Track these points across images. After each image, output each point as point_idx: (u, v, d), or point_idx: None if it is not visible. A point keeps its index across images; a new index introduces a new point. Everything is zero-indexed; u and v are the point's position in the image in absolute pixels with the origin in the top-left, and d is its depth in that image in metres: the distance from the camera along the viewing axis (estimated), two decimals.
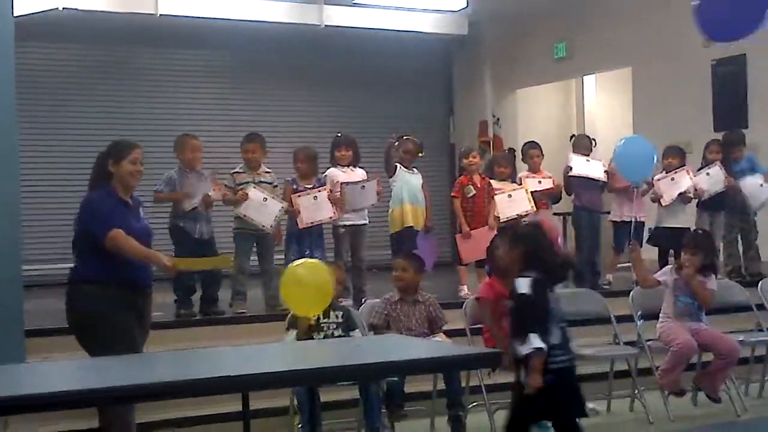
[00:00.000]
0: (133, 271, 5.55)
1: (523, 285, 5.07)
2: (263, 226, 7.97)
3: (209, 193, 7.73)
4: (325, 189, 8.22)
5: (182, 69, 13.03)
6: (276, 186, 8.25)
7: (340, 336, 6.20)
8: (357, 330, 6.36)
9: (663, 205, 9.26)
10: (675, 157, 9.40)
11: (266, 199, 7.98)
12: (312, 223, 8.11)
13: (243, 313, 7.91)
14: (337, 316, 6.33)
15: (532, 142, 9.65)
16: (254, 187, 8.00)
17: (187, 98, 12.84)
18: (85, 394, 3.60)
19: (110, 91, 12.42)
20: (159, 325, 6.95)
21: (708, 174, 9.45)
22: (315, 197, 8.12)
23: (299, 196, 8.11)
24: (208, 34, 12.64)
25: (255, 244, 8.20)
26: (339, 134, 8.83)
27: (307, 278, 6.02)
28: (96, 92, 12.38)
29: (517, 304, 5.14)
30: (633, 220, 8.60)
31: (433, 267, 8.47)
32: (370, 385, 5.93)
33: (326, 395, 6.05)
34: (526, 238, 5.38)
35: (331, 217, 8.21)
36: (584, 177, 9.31)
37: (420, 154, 8.82)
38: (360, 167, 8.61)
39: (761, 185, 9.40)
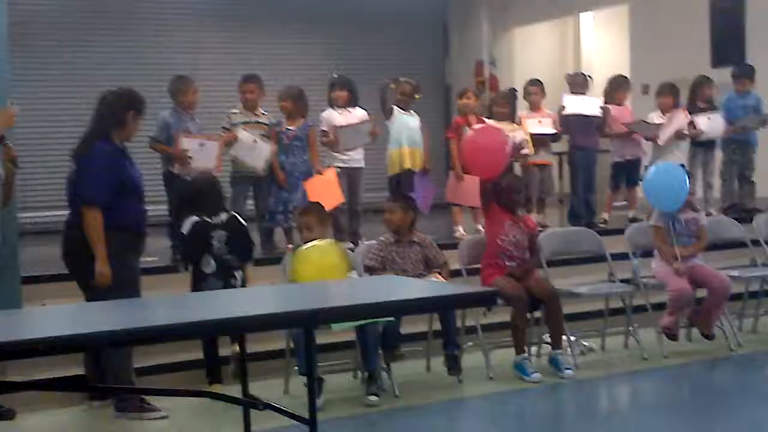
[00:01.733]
0: (133, 217, 5.78)
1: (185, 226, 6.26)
2: (254, 167, 7.95)
3: (210, 168, 7.48)
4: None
5: (173, 12, 12.92)
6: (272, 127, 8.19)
7: None
8: (353, 272, 6.38)
9: (659, 144, 9.25)
10: (669, 96, 9.38)
11: (256, 141, 7.94)
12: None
13: None
14: None
15: (534, 79, 9.58)
16: (243, 128, 7.97)
17: (178, 42, 12.74)
18: (82, 337, 3.61)
19: (104, 36, 12.32)
20: (155, 270, 7.03)
21: (709, 118, 9.43)
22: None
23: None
24: None
25: (251, 188, 8.19)
26: (335, 75, 8.75)
27: (319, 262, 5.98)
28: (89, 38, 12.30)
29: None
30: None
31: (430, 209, 8.49)
32: (366, 327, 5.97)
33: (323, 337, 6.11)
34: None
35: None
36: (579, 115, 9.27)
37: (417, 96, 8.75)
38: (361, 108, 8.50)
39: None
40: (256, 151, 7.95)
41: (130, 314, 4.28)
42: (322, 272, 5.88)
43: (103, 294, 5.43)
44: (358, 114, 8.42)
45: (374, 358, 6.06)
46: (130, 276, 5.77)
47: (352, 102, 8.47)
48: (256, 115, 8.14)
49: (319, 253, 6.10)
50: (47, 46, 12.05)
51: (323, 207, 6.70)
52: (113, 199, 5.66)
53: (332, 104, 8.48)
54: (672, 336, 6.91)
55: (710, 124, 9.42)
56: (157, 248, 7.35)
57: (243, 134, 7.92)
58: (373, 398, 5.95)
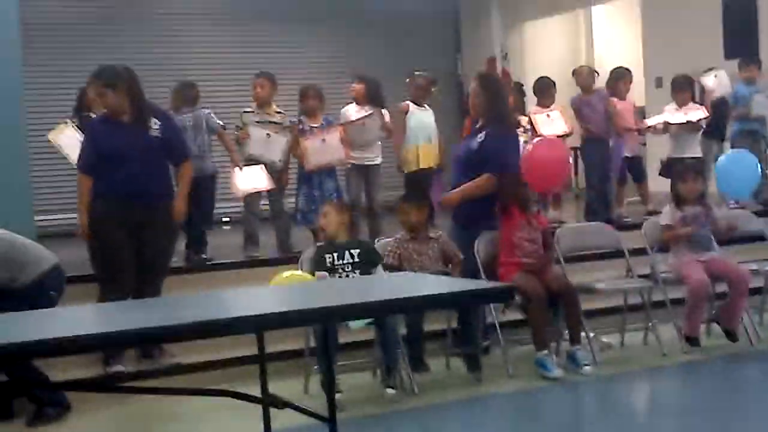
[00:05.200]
0: (112, 183, 6.09)
1: None
2: (273, 161, 7.94)
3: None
4: (334, 129, 8.11)
5: (186, 12, 12.92)
6: (286, 127, 8.17)
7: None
8: (379, 266, 6.35)
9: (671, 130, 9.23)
10: (686, 90, 9.35)
11: (269, 134, 7.94)
12: (319, 166, 8.02)
13: (256, 256, 7.92)
14: (352, 256, 6.29)
15: (548, 78, 9.52)
16: (255, 125, 7.98)
17: (191, 41, 12.76)
18: (100, 337, 3.59)
19: (115, 37, 12.34)
20: (170, 271, 7.02)
21: (715, 76, 9.43)
22: (323, 139, 8.00)
23: (307, 138, 8.01)
24: None
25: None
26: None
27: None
28: (100, 38, 12.29)
29: None
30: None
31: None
32: (385, 324, 5.94)
33: (343, 336, 6.10)
34: None
35: (340, 159, 8.13)
36: (589, 106, 9.25)
37: (433, 90, 8.71)
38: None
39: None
40: (272, 145, 7.93)
41: (153, 313, 4.25)
42: None
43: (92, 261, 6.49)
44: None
45: (393, 351, 6.03)
46: (106, 246, 6.20)
47: (369, 98, 8.38)
48: (268, 114, 8.14)
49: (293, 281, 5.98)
50: (57, 48, 12.03)
51: (342, 202, 6.73)
52: (96, 167, 6.18)
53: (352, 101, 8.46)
54: (694, 341, 6.83)
55: (718, 81, 9.41)
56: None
57: (254, 130, 7.93)
58: (391, 391, 5.95)
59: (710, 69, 9.55)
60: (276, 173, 8.03)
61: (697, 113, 9.22)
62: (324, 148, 7.97)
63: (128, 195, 6.13)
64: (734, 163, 6.71)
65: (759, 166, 6.86)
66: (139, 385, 5.67)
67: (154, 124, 6.26)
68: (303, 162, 8.03)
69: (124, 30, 12.45)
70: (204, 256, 7.93)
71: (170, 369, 6.29)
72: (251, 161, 7.99)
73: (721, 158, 6.69)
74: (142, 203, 6.15)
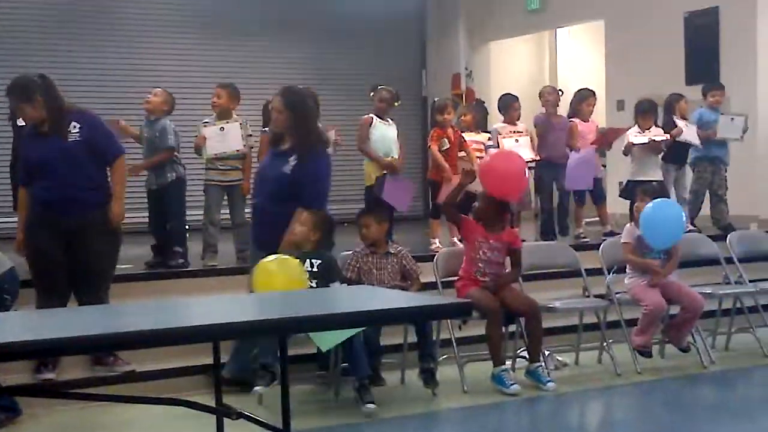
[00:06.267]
0: (52, 194, 6.12)
1: None
2: (237, 150, 7.90)
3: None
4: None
5: (148, 20, 12.84)
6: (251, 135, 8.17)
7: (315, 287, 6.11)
8: (337, 282, 6.29)
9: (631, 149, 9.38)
10: (649, 115, 9.46)
11: (222, 128, 7.91)
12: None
13: (214, 266, 7.89)
14: (312, 265, 6.24)
15: (512, 95, 9.61)
16: (204, 125, 8.00)
17: (153, 50, 12.67)
18: (46, 343, 3.55)
19: (75, 42, 12.24)
20: (127, 278, 7.00)
21: (686, 125, 9.55)
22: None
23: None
24: None
25: (226, 197, 8.15)
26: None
27: (279, 277, 5.85)
28: (61, 44, 12.18)
29: None
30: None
31: (408, 208, 8.46)
32: (352, 337, 5.87)
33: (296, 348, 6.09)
34: None
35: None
36: (549, 128, 9.38)
37: (396, 104, 8.74)
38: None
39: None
40: (228, 135, 7.88)
41: (102, 320, 4.22)
42: (281, 284, 5.77)
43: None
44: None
45: (364, 364, 6.02)
46: (34, 253, 6.22)
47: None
48: (228, 123, 8.09)
49: (279, 266, 5.97)
50: (16, 54, 11.81)
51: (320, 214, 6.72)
52: (28, 178, 6.29)
53: None
54: (646, 353, 6.92)
55: (688, 130, 9.53)
56: (135, 255, 7.31)
57: (206, 130, 7.95)
58: (371, 406, 5.91)
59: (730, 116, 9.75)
60: (241, 161, 8.01)
61: (659, 135, 9.33)
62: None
63: (55, 204, 6.12)
64: (659, 213, 6.85)
65: (683, 216, 7.02)
66: (92, 391, 5.61)
67: (74, 128, 6.14)
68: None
69: (80, 36, 12.32)
70: (181, 260, 7.90)
71: (124, 377, 6.23)
72: (211, 168, 8.01)
73: (647, 207, 6.86)
74: (72, 211, 6.11)
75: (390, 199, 8.13)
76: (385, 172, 8.37)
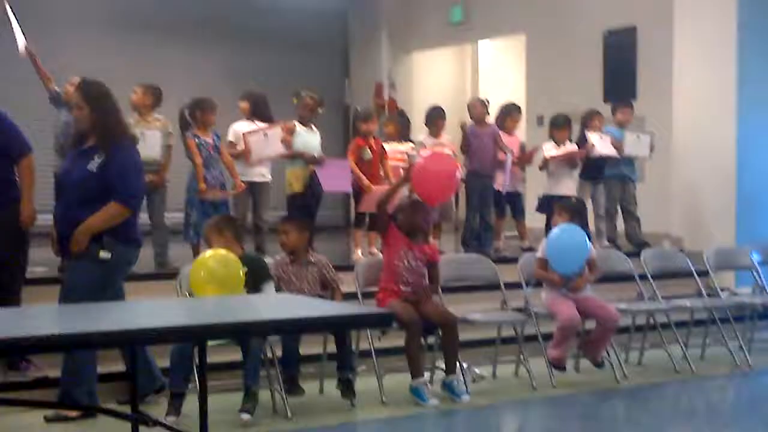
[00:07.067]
0: None
1: None
2: (153, 158, 7.77)
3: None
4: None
5: (78, 18, 12.60)
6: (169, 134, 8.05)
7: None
8: (269, 283, 6.28)
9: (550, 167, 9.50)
10: (564, 129, 9.62)
11: (142, 132, 7.79)
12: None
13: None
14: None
15: (440, 109, 9.63)
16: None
17: (82, 49, 12.42)
18: None
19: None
20: (43, 281, 6.83)
21: (601, 138, 9.68)
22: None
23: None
24: None
25: (146, 200, 8.01)
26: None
27: (219, 273, 5.90)
28: None
29: None
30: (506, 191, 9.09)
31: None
32: (250, 344, 5.85)
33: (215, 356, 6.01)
34: None
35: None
36: (478, 139, 9.43)
37: (320, 110, 8.72)
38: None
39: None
40: (147, 142, 7.72)
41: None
42: (219, 278, 5.87)
43: None
44: (262, 126, 8.43)
45: (255, 374, 5.96)
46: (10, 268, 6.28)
47: (255, 114, 8.54)
48: (147, 122, 7.97)
49: (217, 260, 5.99)
50: None
51: (229, 219, 6.67)
52: None
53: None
54: (560, 367, 7.02)
55: (602, 142, 9.67)
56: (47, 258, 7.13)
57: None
58: (246, 416, 5.85)
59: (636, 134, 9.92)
60: (156, 168, 7.86)
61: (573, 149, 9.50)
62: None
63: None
64: (564, 238, 6.98)
65: (587, 240, 7.17)
66: (3, 396, 5.47)
67: None
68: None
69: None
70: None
71: (38, 382, 6.08)
72: None
73: (552, 233, 6.99)
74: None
75: (332, 187, 8.17)
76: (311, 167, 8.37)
